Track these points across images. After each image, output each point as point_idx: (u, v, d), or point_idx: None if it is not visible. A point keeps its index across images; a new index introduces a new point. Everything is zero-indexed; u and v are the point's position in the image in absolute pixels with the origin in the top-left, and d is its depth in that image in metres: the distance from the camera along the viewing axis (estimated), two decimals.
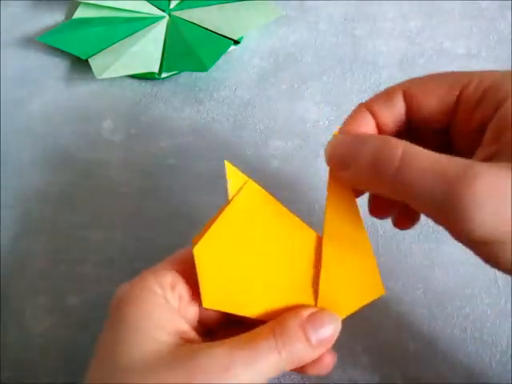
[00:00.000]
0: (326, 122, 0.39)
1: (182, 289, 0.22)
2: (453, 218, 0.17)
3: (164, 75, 0.42)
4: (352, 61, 0.42)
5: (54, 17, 0.47)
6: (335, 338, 0.22)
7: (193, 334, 0.22)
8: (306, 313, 0.22)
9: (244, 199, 0.22)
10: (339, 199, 0.22)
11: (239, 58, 0.43)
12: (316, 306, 0.22)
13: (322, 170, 0.36)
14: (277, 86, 0.41)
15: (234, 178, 0.22)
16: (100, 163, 0.38)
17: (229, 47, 0.42)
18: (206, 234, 0.22)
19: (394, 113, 0.22)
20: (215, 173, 0.37)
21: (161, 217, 0.35)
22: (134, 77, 0.42)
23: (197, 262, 0.21)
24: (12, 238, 0.35)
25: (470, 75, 0.22)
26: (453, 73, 0.22)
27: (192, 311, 0.23)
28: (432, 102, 0.22)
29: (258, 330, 0.21)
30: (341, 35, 0.44)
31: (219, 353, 0.20)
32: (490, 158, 0.19)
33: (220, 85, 0.41)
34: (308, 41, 0.44)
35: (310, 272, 0.22)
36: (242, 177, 0.22)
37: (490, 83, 0.21)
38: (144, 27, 0.44)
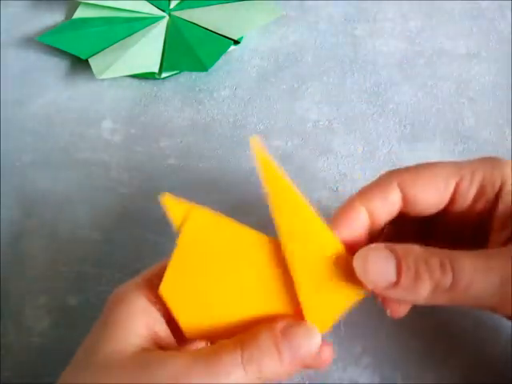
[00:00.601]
0: (326, 122, 0.39)
1: None
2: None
3: (164, 75, 0.42)
4: (352, 61, 0.42)
5: (53, 17, 0.47)
6: (313, 353, 0.20)
7: (171, 341, 0.22)
8: (280, 325, 0.20)
9: (192, 228, 0.21)
10: (281, 198, 0.21)
11: (239, 58, 0.43)
12: (294, 314, 0.21)
13: (323, 170, 0.36)
14: (277, 85, 0.41)
15: (176, 209, 0.21)
16: (100, 163, 0.38)
17: (229, 47, 0.42)
18: (165, 274, 0.21)
19: (390, 207, 0.23)
20: (215, 173, 0.37)
21: (161, 217, 0.35)
22: (134, 77, 0.42)
23: (166, 301, 0.21)
24: (12, 238, 0.35)
25: (460, 168, 0.23)
26: (443, 166, 0.23)
27: None
28: (428, 197, 0.23)
29: (224, 341, 0.20)
30: (341, 35, 0.44)
31: (174, 364, 0.19)
32: (506, 241, 0.22)
33: (220, 85, 0.41)
34: (308, 41, 0.44)
35: (281, 280, 0.21)
36: (185, 206, 0.21)
37: (482, 176, 0.23)
38: (144, 27, 0.44)
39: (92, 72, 0.41)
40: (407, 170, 0.23)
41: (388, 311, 0.24)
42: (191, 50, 0.42)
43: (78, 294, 0.32)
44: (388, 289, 0.20)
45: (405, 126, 0.38)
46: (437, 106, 0.39)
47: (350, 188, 0.35)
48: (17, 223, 0.35)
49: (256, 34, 0.44)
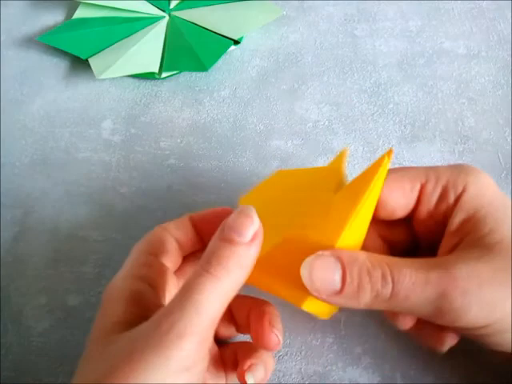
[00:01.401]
0: (326, 121, 0.39)
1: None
2: (448, 319, 0.21)
3: (164, 75, 0.42)
4: (352, 61, 0.42)
5: (54, 17, 0.47)
6: (257, 228, 0.21)
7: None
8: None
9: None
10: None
11: (239, 58, 0.43)
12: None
13: None
14: (277, 86, 0.41)
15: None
16: (100, 163, 0.38)
17: (229, 47, 0.42)
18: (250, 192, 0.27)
19: None
20: (215, 173, 0.37)
21: (161, 217, 0.35)
22: (134, 77, 0.42)
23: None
24: (12, 238, 0.35)
25: (426, 172, 0.24)
26: (411, 169, 0.24)
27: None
28: (396, 199, 0.24)
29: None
30: (341, 35, 0.44)
31: (152, 324, 0.19)
32: (453, 248, 0.22)
33: (220, 85, 0.41)
34: (308, 41, 0.44)
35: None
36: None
37: (446, 180, 0.23)
38: (144, 27, 0.44)
39: (92, 72, 0.41)
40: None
41: (398, 325, 0.25)
42: (191, 50, 0.42)
43: (77, 294, 0.32)
44: (331, 296, 0.21)
45: (405, 126, 0.38)
46: (437, 105, 0.39)
47: None
48: (17, 223, 0.35)
49: (256, 34, 0.44)
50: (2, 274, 0.33)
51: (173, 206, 0.35)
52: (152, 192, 0.36)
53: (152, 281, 0.23)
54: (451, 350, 0.29)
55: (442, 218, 0.24)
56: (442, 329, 0.24)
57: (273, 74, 0.42)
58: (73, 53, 0.43)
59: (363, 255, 0.21)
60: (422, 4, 0.45)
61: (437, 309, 0.20)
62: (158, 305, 0.22)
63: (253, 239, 0.20)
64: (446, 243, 0.23)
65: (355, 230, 0.22)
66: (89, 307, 0.32)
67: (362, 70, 0.41)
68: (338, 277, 0.21)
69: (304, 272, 0.21)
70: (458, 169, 0.24)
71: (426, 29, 0.44)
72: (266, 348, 0.23)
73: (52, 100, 0.41)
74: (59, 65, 0.44)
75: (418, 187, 0.24)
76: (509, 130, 0.37)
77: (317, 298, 0.21)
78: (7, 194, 0.37)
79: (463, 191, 0.23)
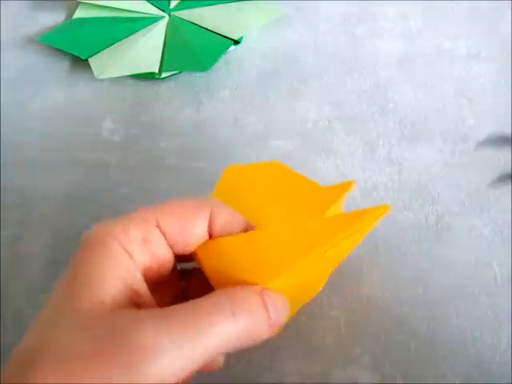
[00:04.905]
0: (326, 122, 0.39)
1: (158, 243, 0.21)
2: None
3: (164, 75, 0.42)
4: (352, 61, 0.42)
5: (54, 17, 0.47)
6: (285, 318, 0.21)
7: (148, 298, 0.20)
8: (257, 287, 0.20)
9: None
10: None
11: (239, 58, 0.43)
12: None
13: (323, 170, 0.36)
14: (277, 86, 0.41)
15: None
16: (100, 163, 0.38)
17: (229, 47, 0.42)
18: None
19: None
20: (215, 173, 0.37)
21: None
22: (134, 77, 0.42)
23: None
24: (12, 238, 0.35)
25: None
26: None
27: (167, 266, 0.22)
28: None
29: (208, 294, 0.19)
30: (341, 35, 0.44)
31: (147, 325, 0.17)
32: None
33: (220, 85, 0.41)
34: (308, 41, 0.44)
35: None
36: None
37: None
38: (144, 27, 0.44)
39: (92, 72, 0.41)
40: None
41: None
42: (191, 50, 0.42)
43: None
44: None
45: (405, 126, 0.38)
46: (437, 106, 0.39)
47: None
48: (17, 223, 0.35)
49: (256, 34, 0.44)
50: (2, 274, 0.33)
51: None
52: (152, 192, 0.36)
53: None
54: (451, 349, 0.29)
55: None
56: None
57: (273, 73, 0.42)
58: (73, 53, 0.43)
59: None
60: (421, 4, 0.45)
61: None
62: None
63: (274, 327, 0.20)
64: None
65: (302, 272, 0.21)
66: None
67: (362, 69, 0.41)
68: None
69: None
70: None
71: (426, 29, 0.44)
72: None
73: (52, 100, 0.41)
74: (59, 65, 0.44)
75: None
76: (509, 130, 0.37)
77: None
78: (7, 194, 0.37)
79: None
